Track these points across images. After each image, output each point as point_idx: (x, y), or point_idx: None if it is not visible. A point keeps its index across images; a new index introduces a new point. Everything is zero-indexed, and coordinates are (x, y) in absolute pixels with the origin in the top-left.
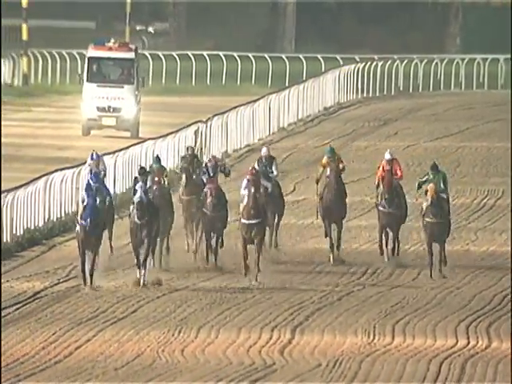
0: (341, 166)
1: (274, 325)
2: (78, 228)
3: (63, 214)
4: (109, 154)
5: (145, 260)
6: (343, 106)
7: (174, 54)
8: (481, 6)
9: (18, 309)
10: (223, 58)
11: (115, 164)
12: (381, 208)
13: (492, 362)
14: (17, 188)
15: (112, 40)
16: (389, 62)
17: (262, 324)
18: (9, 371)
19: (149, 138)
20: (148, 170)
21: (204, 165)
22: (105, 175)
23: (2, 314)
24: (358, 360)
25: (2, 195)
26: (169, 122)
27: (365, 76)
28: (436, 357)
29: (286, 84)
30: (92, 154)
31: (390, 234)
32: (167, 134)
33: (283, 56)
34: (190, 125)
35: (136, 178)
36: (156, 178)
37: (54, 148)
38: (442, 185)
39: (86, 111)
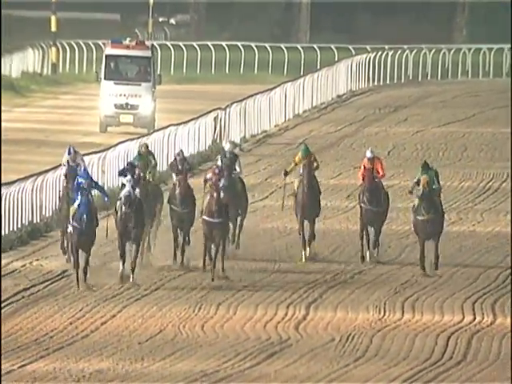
0: (315, 164)
1: (290, 302)
2: (70, 229)
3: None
4: (132, 139)
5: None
6: (355, 93)
7: (194, 44)
8: (485, 4)
9: (46, 286)
10: (241, 48)
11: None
12: (362, 205)
13: (497, 337)
14: (46, 171)
15: (129, 38)
16: (399, 52)
17: (277, 301)
18: (39, 344)
19: (171, 124)
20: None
21: (173, 159)
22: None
23: (33, 291)
24: (369, 335)
25: (32, 179)
26: (190, 108)
27: (376, 65)
28: (443, 332)
29: (301, 73)
30: (69, 149)
31: (372, 230)
32: (188, 121)
33: (298, 46)
34: (209, 112)
35: (122, 170)
36: (141, 174)
37: (80, 134)
38: (434, 182)
39: (104, 108)
